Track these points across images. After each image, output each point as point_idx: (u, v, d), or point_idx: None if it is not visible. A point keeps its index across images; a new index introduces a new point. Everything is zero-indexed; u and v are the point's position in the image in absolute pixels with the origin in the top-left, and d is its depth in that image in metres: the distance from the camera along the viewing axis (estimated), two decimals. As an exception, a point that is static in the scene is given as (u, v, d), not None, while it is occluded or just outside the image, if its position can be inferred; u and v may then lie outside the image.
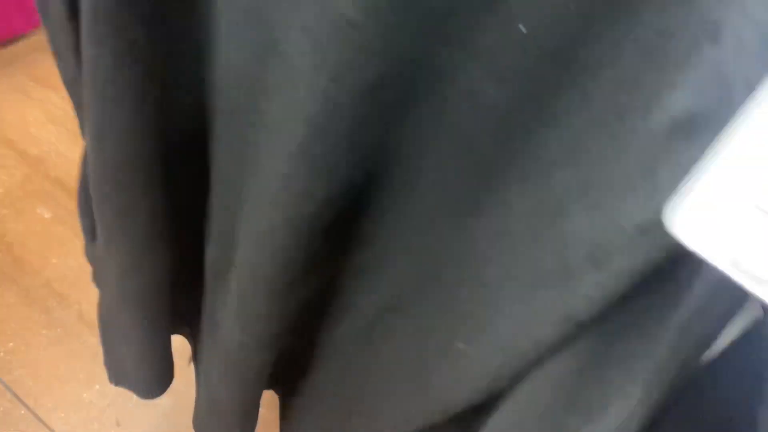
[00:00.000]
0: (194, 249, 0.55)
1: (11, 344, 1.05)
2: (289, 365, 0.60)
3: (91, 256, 0.62)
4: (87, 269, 0.65)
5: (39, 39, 1.62)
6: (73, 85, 0.51)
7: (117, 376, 0.68)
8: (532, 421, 0.37)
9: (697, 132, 0.24)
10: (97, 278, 0.63)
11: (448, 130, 0.34)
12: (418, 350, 0.45)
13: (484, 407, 0.41)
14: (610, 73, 0.28)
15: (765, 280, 0.22)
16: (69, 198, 1.23)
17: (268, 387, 0.68)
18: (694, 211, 0.23)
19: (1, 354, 1.04)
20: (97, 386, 1.02)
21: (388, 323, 0.47)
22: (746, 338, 0.30)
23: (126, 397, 1.00)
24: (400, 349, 0.47)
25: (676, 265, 0.27)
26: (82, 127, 0.54)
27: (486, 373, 0.38)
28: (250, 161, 0.42)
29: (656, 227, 0.25)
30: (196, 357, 0.70)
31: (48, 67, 1.61)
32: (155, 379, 0.66)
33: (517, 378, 0.37)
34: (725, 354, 0.32)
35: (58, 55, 0.50)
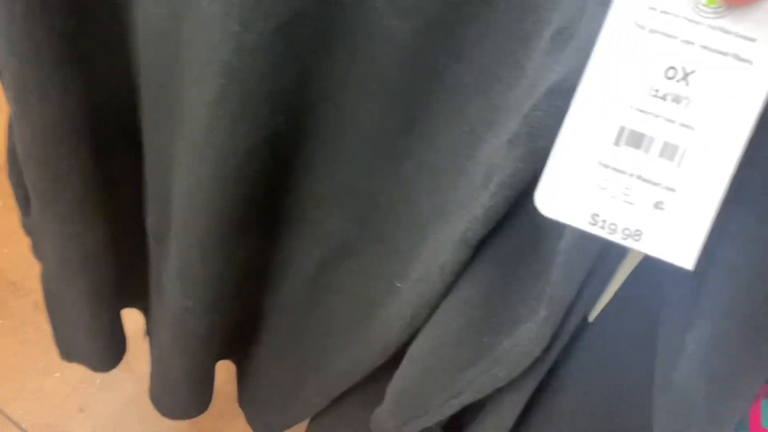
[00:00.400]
0: (137, 216, 0.55)
1: (-33, 337, 1.04)
2: (241, 331, 0.60)
3: (28, 228, 0.61)
4: (41, 257, 0.64)
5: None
6: None
7: (68, 351, 0.68)
8: (449, 342, 0.38)
9: (562, 44, 0.26)
10: (37, 250, 0.62)
11: (365, 69, 0.35)
12: (362, 296, 0.46)
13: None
14: (509, 0, 0.29)
15: (621, 227, 0.24)
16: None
17: (224, 357, 0.68)
18: (551, 183, 0.25)
19: (-43, 347, 1.03)
20: (58, 374, 1.01)
21: (331, 274, 0.48)
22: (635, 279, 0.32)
23: (88, 382, 1.00)
24: (345, 298, 0.48)
25: None
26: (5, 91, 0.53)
27: (410, 305, 0.39)
28: (175, 117, 0.41)
29: (520, 138, 0.27)
30: (149, 330, 0.69)
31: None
32: (106, 350, 0.65)
33: (432, 309, 0.38)
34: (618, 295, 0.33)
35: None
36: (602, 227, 0.25)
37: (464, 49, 0.32)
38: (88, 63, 0.43)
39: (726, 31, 0.22)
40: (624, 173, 0.24)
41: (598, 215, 0.25)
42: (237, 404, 0.72)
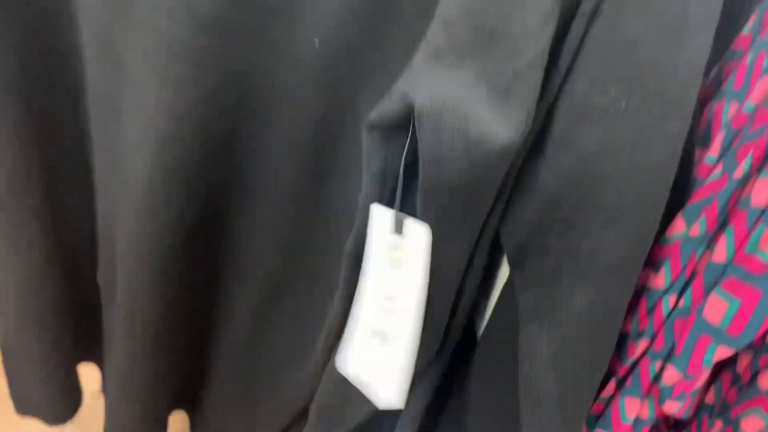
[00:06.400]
0: (92, 273, 0.59)
1: None
2: (190, 379, 0.63)
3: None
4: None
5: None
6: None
7: (23, 405, 0.69)
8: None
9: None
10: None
11: (279, 130, 0.40)
12: (298, 333, 0.50)
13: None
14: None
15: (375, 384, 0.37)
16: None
17: (176, 406, 0.70)
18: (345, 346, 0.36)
19: None
20: (4, 434, 1.01)
21: (268, 318, 0.52)
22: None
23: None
24: (282, 337, 0.52)
25: None
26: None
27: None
28: (119, 178, 0.46)
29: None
30: (103, 383, 0.72)
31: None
32: (62, 402, 0.67)
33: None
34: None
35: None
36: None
37: (359, 109, 0.37)
38: (47, 131, 0.48)
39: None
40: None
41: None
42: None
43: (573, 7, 0.27)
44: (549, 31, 0.25)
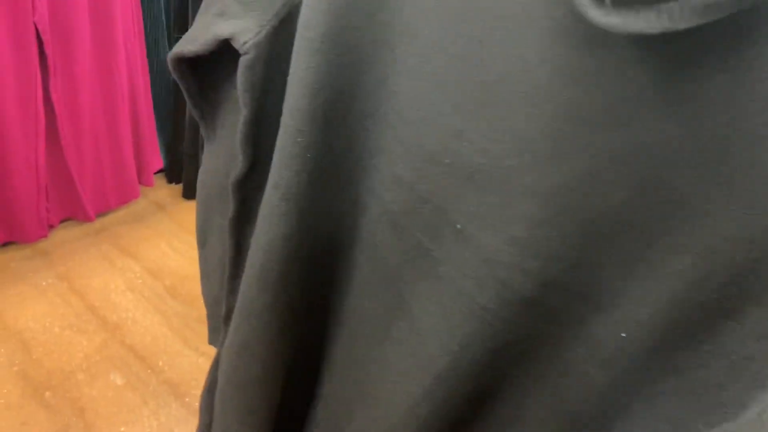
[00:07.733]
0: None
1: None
2: None
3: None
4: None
5: (126, 213, 1.81)
6: (213, 305, 0.60)
7: None
8: None
9: None
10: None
11: (545, 396, 0.41)
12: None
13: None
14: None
15: None
16: (140, 365, 1.30)
17: None
18: None
19: None
20: None
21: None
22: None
23: None
24: None
25: None
26: (214, 332, 0.62)
27: None
28: (367, 395, 0.49)
29: None
30: None
31: (131, 239, 1.78)
32: None
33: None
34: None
35: (206, 275, 0.60)
36: None
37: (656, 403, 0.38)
38: (297, 336, 0.53)
39: None
40: None
41: None
42: None
43: None
44: None
